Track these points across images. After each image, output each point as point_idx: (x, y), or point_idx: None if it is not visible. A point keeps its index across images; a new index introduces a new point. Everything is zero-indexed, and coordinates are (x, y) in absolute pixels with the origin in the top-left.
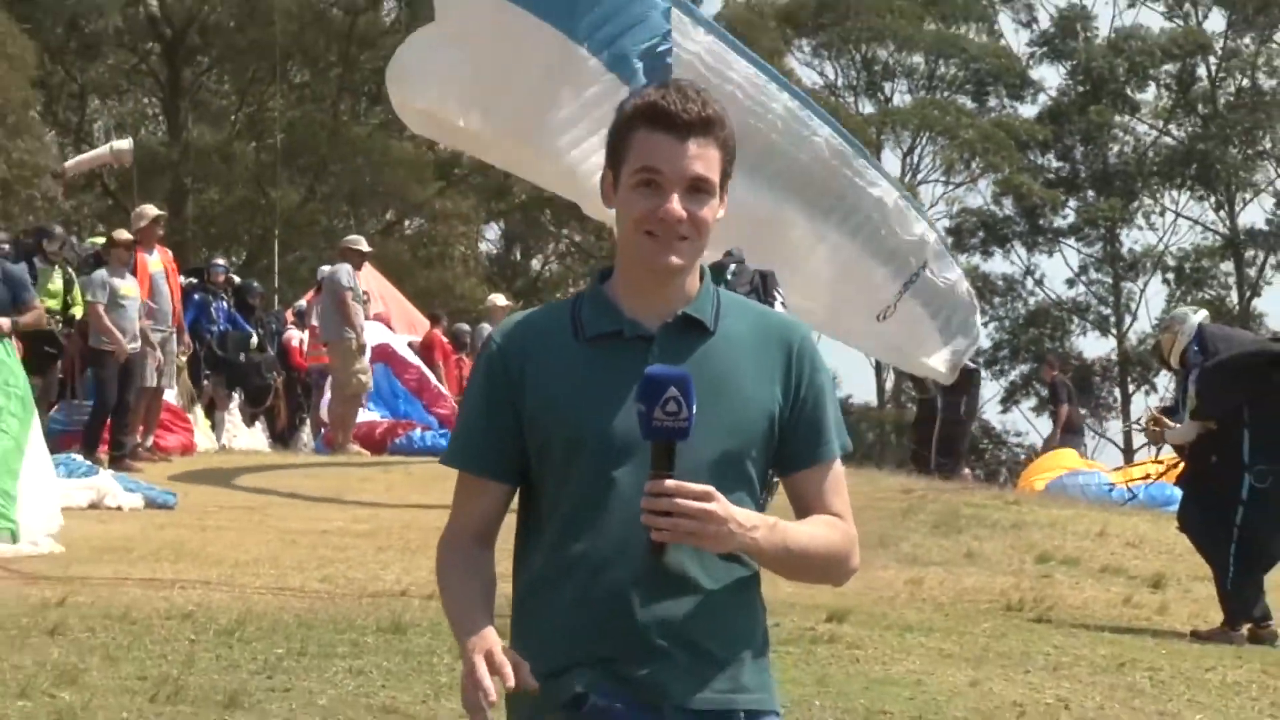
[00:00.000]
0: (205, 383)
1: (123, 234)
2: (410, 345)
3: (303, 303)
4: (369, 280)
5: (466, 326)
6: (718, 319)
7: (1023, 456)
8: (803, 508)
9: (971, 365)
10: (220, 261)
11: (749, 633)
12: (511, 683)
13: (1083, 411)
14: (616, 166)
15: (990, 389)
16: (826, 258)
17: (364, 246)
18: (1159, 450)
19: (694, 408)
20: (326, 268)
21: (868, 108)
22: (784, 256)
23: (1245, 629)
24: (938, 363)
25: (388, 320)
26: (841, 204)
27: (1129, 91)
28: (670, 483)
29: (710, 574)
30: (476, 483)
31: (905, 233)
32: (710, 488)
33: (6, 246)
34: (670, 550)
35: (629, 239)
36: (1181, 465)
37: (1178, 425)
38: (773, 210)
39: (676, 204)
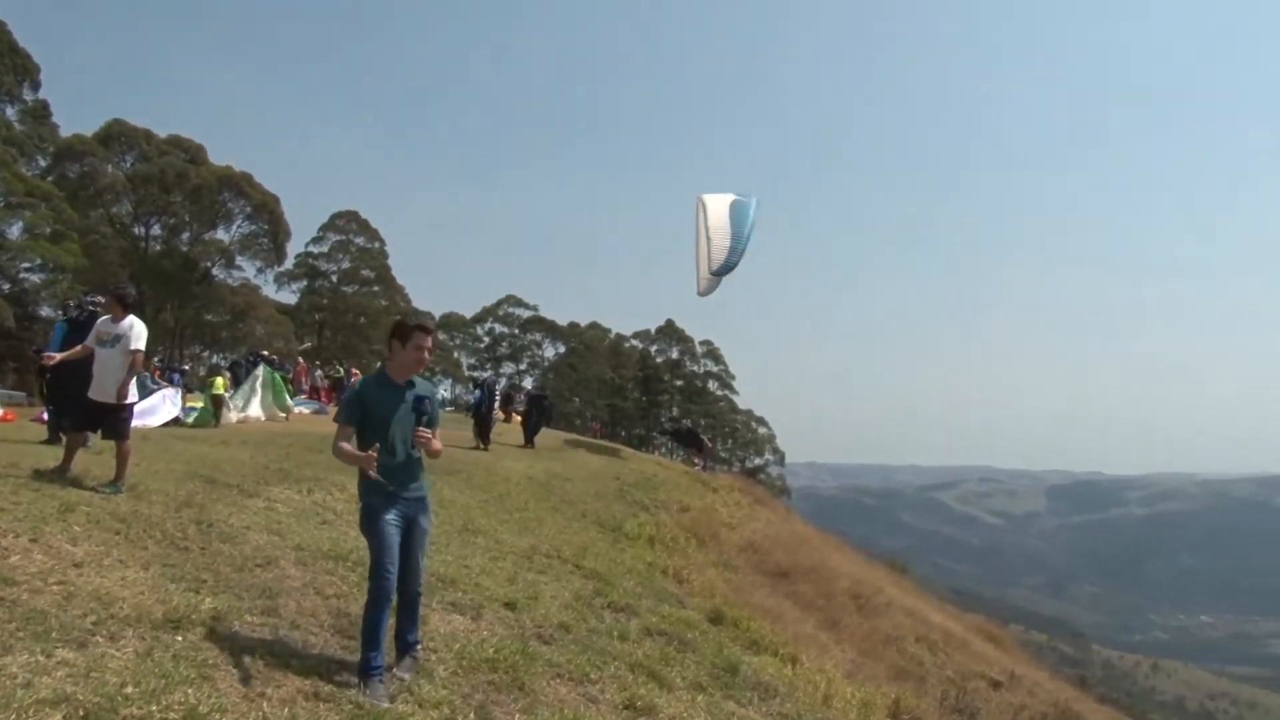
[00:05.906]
0: None
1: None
2: None
3: None
4: None
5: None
6: (418, 381)
7: None
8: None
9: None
10: None
11: (420, 470)
12: (372, 470)
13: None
14: (404, 339)
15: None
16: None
17: None
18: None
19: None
20: None
21: None
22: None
23: None
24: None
25: None
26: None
27: None
28: (420, 429)
29: (415, 453)
30: (347, 427)
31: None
32: (427, 431)
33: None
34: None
35: (409, 357)
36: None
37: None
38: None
39: (425, 354)
